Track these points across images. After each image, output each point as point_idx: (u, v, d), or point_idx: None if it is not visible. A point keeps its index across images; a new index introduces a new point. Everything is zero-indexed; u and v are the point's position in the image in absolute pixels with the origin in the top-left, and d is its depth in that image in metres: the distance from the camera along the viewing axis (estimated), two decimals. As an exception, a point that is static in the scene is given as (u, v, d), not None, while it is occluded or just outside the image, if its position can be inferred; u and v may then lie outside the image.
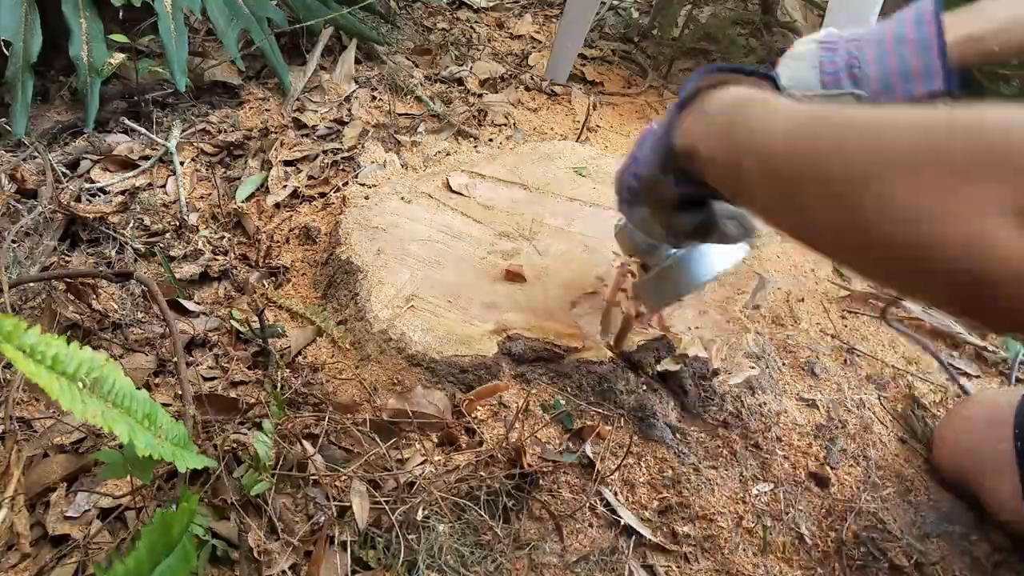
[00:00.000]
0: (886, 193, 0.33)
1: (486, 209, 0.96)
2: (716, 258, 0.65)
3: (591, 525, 0.67)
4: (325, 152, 1.10)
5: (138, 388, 0.48)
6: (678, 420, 0.77)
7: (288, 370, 0.77)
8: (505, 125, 1.22)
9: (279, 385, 0.73)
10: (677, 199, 0.52)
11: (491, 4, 1.82)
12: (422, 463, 0.69)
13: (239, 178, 1.08)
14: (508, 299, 0.82)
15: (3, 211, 0.91)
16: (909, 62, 0.59)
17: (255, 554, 0.59)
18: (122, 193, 1.00)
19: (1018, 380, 0.92)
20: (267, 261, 0.94)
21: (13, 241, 0.86)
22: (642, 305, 0.76)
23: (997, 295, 0.30)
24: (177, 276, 0.87)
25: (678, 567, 0.66)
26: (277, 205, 1.03)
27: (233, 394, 0.73)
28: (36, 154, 1.02)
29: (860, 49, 0.61)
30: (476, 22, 1.70)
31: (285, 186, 1.05)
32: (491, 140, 1.16)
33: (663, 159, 0.50)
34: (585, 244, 0.91)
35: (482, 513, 0.64)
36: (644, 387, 0.76)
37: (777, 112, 0.41)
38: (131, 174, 1.03)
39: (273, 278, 0.92)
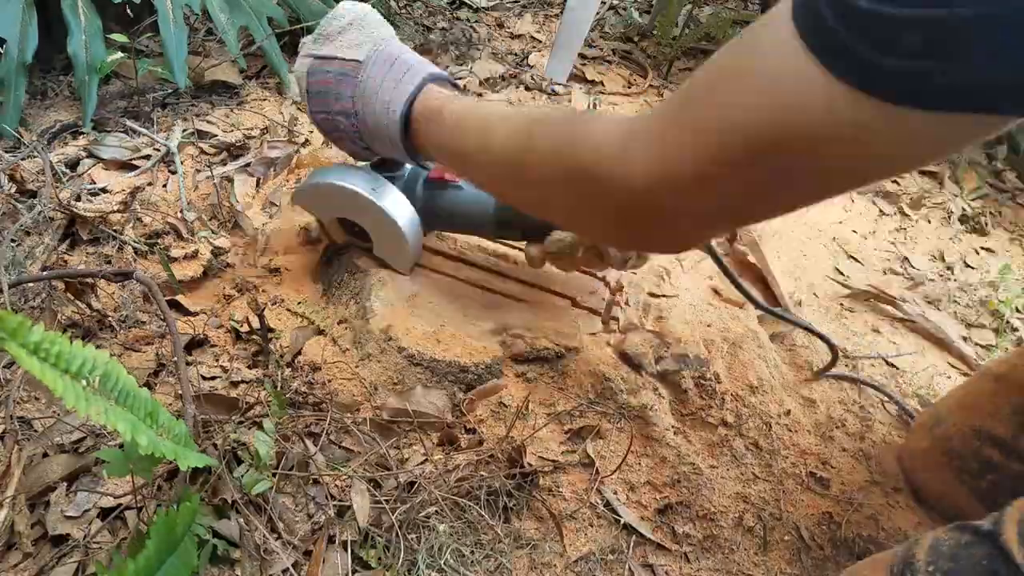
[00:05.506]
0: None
1: (486, 209, 0.96)
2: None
3: (591, 525, 0.68)
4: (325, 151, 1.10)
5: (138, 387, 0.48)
6: (678, 420, 0.77)
7: (288, 370, 0.77)
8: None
9: (279, 384, 0.73)
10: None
11: (491, 4, 1.82)
12: (422, 462, 0.69)
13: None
14: (508, 299, 0.82)
15: (3, 211, 0.90)
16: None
17: (256, 553, 0.59)
18: (122, 193, 0.99)
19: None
20: (267, 261, 0.93)
21: (13, 240, 0.85)
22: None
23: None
24: (177, 276, 0.87)
25: (678, 567, 0.66)
26: (277, 205, 1.03)
27: (233, 394, 0.73)
28: (36, 154, 1.02)
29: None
30: (476, 22, 1.70)
31: (285, 185, 1.05)
32: (491, 140, 1.16)
33: (398, 134, 0.67)
34: (585, 244, 0.91)
35: (482, 513, 0.64)
36: (644, 387, 0.76)
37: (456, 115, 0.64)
38: (131, 174, 1.03)
39: (273, 278, 0.92)
